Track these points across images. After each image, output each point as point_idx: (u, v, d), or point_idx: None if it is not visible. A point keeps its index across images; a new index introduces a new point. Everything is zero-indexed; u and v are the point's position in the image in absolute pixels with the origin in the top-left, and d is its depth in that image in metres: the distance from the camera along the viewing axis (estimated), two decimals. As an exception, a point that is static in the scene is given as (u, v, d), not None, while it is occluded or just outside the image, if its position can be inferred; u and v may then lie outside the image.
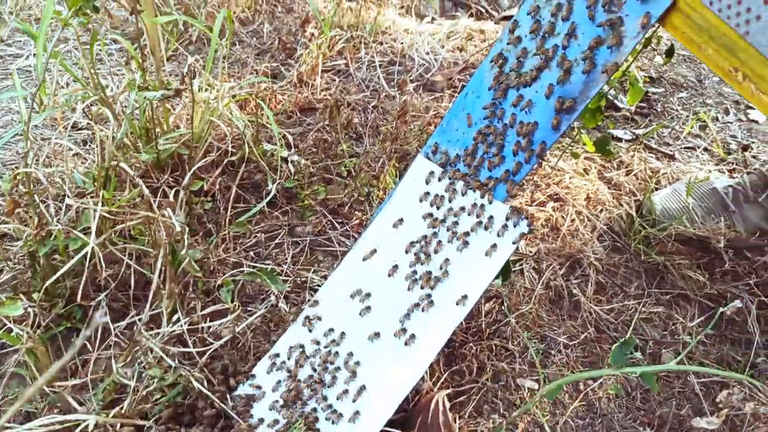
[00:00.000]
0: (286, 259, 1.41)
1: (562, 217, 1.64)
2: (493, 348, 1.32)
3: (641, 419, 1.25)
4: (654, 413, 1.26)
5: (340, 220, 1.54)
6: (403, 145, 1.69)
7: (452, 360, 1.28)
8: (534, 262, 1.52)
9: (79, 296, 1.04)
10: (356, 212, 1.55)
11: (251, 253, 1.39)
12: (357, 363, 1.04)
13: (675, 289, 1.51)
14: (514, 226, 0.99)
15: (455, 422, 1.14)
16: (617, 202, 1.71)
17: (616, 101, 2.11)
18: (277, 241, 1.45)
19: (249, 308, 1.28)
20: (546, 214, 1.64)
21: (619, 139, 1.97)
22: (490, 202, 1.02)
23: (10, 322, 1.05)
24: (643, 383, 1.31)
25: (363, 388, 1.01)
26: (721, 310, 0.81)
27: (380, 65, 2.07)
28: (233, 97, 1.57)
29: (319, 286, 1.34)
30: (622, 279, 1.52)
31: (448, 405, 1.12)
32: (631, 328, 1.42)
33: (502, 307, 1.36)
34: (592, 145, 1.66)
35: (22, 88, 1.61)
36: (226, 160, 1.49)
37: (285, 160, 1.58)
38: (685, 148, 1.99)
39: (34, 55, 2.03)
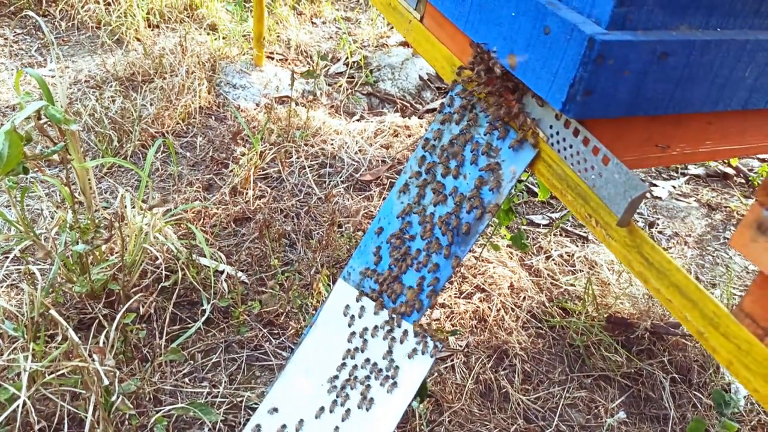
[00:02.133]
0: (222, 380, 1.44)
1: (489, 307, 1.74)
2: (428, 451, 1.38)
3: None
4: (582, 501, 1.33)
5: (276, 332, 1.59)
6: (335, 251, 1.78)
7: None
8: (464, 357, 1.60)
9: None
10: (291, 322, 1.61)
11: (187, 378, 1.43)
12: None
13: (595, 370, 1.61)
14: (426, 348, 1.07)
15: None
16: (538, 288, 1.83)
17: (533, 187, 2.28)
18: (213, 360, 1.49)
19: (186, 436, 1.31)
20: (473, 305, 1.74)
21: (537, 225, 2.12)
22: (401, 330, 1.11)
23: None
24: (570, 471, 1.39)
25: None
26: (609, 421, 0.90)
27: (311, 168, 2.18)
28: (167, 218, 1.63)
29: (256, 404, 1.38)
30: (546, 365, 1.62)
31: None
32: (557, 414, 1.50)
33: (439, 400, 1.42)
34: (509, 237, 1.79)
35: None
36: (160, 286, 1.54)
37: (220, 274, 1.64)
38: (598, 228, 2.15)
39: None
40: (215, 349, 1.53)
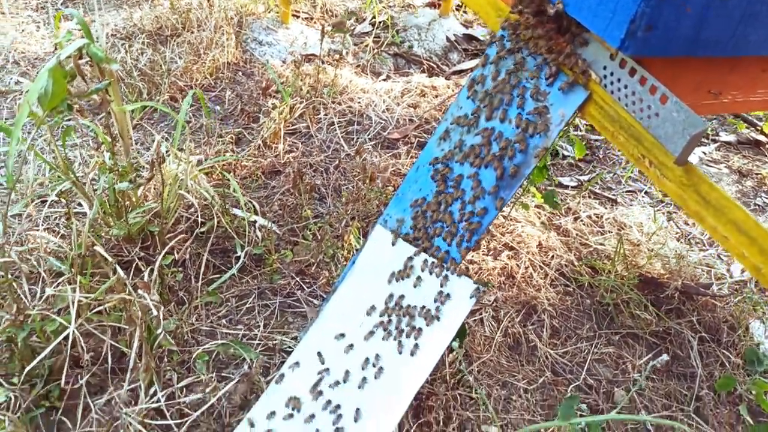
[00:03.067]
0: (258, 323, 1.47)
1: (517, 265, 1.75)
2: (458, 398, 1.40)
3: (598, 457, 1.34)
4: (609, 451, 1.35)
5: (307, 281, 1.61)
6: (365, 204, 1.79)
7: (420, 412, 1.35)
8: (492, 311, 1.61)
9: (63, 380, 1.08)
10: (323, 272, 1.63)
11: (223, 320, 1.45)
12: (339, 411, 1.10)
13: (624, 328, 1.62)
14: (465, 291, 1.08)
15: (424, 474, 1.20)
16: (567, 247, 1.83)
17: (562, 150, 2.26)
18: (248, 305, 1.52)
19: (223, 374, 1.34)
20: (501, 263, 1.74)
21: (566, 187, 2.11)
22: (443, 272, 1.12)
23: (-10, 407, 1.08)
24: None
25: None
26: (651, 363, 0.91)
27: (339, 125, 2.18)
28: (200, 168, 1.64)
29: (290, 348, 1.40)
30: (574, 322, 1.63)
31: (417, 458, 1.19)
32: (584, 369, 1.52)
33: (468, 351, 1.44)
34: (541, 197, 1.79)
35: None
36: (195, 231, 1.56)
37: (253, 224, 1.65)
38: (626, 191, 2.14)
39: None
40: (249, 295, 1.55)
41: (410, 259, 1.16)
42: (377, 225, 1.26)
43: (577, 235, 1.87)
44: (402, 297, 1.14)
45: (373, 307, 1.17)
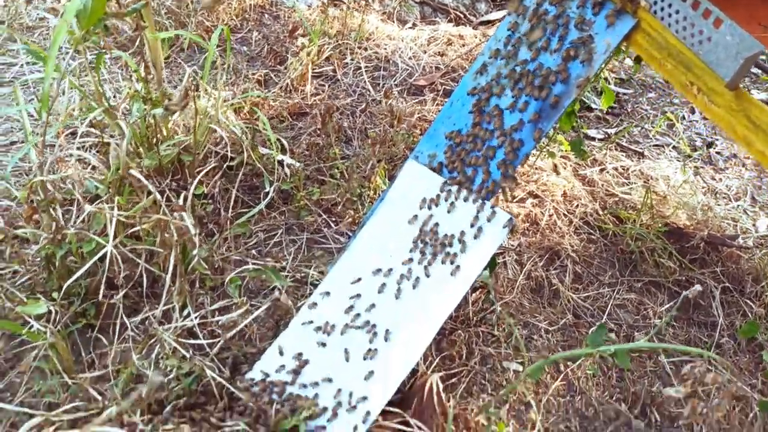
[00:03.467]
0: (286, 256, 1.49)
1: (541, 212, 1.75)
2: (480, 334, 1.42)
3: (617, 396, 1.37)
4: (628, 390, 1.37)
5: (334, 219, 1.63)
6: (391, 147, 1.79)
7: (443, 346, 1.38)
8: (516, 255, 1.62)
9: (100, 294, 1.12)
10: (349, 211, 1.64)
11: (252, 251, 1.48)
12: (371, 332, 1.13)
13: (646, 276, 1.63)
14: (498, 221, 1.09)
15: (448, 402, 1.24)
16: (592, 197, 1.83)
17: (589, 102, 2.23)
18: (275, 239, 1.54)
19: (253, 302, 1.37)
20: (526, 209, 1.75)
21: (592, 138, 2.09)
22: (477, 201, 1.13)
23: (31, 319, 1.12)
24: (618, 364, 1.43)
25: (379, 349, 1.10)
26: (684, 293, 0.92)
27: (366, 70, 2.16)
28: (230, 104, 1.65)
29: (317, 281, 1.43)
30: (597, 269, 1.64)
31: (441, 386, 1.22)
32: (606, 313, 1.54)
33: (489, 296, 1.46)
34: (567, 145, 1.78)
35: (24, 102, 1.67)
36: (225, 164, 1.57)
37: (280, 163, 1.66)
38: (654, 145, 2.12)
39: (28, 63, 2.08)
40: (276, 230, 1.57)
41: (443, 190, 1.17)
42: (409, 160, 1.27)
43: (602, 185, 1.86)
44: (435, 225, 1.15)
45: (404, 237, 1.18)
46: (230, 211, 1.51)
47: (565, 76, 1.00)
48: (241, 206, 1.60)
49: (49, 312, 1.14)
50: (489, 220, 1.09)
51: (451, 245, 1.12)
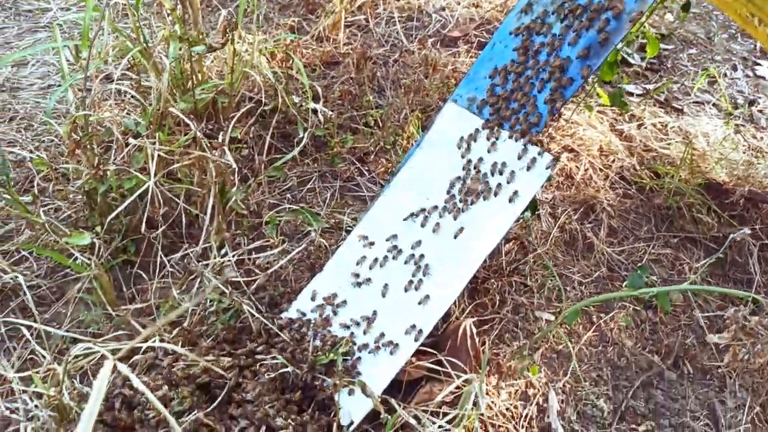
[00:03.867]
0: (319, 202, 1.50)
1: (576, 166, 1.72)
2: (513, 284, 1.42)
3: (650, 347, 1.36)
4: (661, 343, 1.37)
5: (366, 167, 1.62)
6: (425, 97, 1.77)
7: (475, 294, 1.38)
8: (550, 208, 1.61)
9: (142, 228, 1.13)
10: (382, 160, 1.63)
11: (287, 195, 1.48)
12: (423, 259, 1.13)
13: (683, 232, 1.60)
14: (541, 162, 1.07)
15: (481, 346, 1.24)
16: (629, 152, 1.79)
17: (628, 57, 2.17)
18: (309, 186, 1.54)
19: (287, 245, 1.38)
20: (561, 163, 1.72)
21: (631, 94, 2.04)
22: (518, 141, 1.11)
23: (76, 251, 1.14)
24: (651, 316, 1.42)
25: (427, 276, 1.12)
26: (732, 235, 0.90)
27: (399, 21, 2.12)
28: (265, 49, 1.63)
29: (351, 227, 1.43)
30: (632, 223, 1.62)
31: (474, 330, 1.23)
32: (635, 271, 1.52)
33: (525, 243, 1.46)
34: (606, 98, 1.74)
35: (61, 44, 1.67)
36: (259, 109, 1.56)
37: (314, 111, 1.65)
38: (693, 103, 2.06)
39: (61, 9, 2.08)
40: (310, 177, 1.57)
41: (483, 130, 1.15)
42: (448, 102, 1.25)
43: (640, 140, 1.82)
44: (475, 166, 1.14)
45: (443, 177, 1.17)
46: (264, 156, 1.51)
47: (618, 11, 0.97)
48: (275, 153, 1.60)
49: (93, 245, 1.16)
50: (532, 161, 1.08)
51: (491, 185, 1.11)
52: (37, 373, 0.99)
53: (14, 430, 1.00)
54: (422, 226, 1.16)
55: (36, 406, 0.99)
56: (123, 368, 0.48)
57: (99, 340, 1.03)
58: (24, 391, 1.03)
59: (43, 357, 1.09)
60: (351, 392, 1.05)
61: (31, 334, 1.07)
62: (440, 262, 1.13)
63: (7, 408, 1.00)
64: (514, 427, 1.15)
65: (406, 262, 1.15)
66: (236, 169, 1.17)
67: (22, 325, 1.06)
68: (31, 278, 1.20)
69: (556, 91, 1.05)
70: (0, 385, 1.05)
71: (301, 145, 1.54)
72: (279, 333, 1.13)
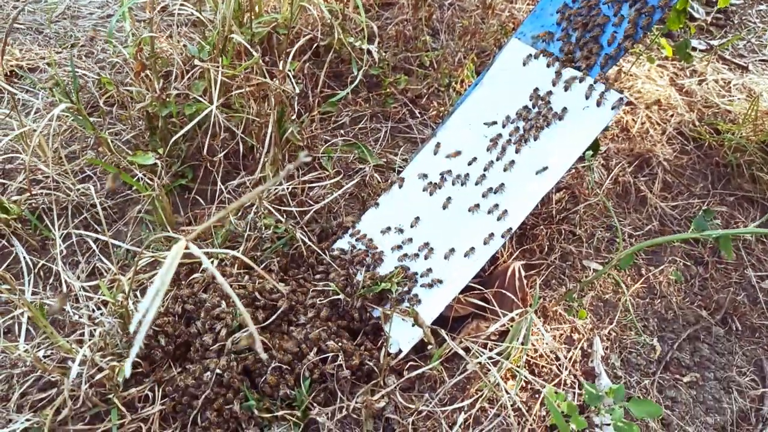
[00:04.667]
0: (371, 141, 1.50)
1: (633, 119, 1.68)
2: (562, 232, 1.41)
3: (698, 303, 1.35)
4: (711, 298, 1.35)
5: (418, 110, 1.61)
6: (481, 41, 1.73)
7: (524, 240, 1.38)
8: (603, 160, 1.58)
9: (204, 150, 1.15)
10: (434, 103, 1.62)
11: (340, 131, 1.49)
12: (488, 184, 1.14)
13: (740, 191, 1.56)
14: (608, 101, 1.05)
15: (529, 288, 1.25)
16: (689, 108, 1.73)
17: (692, 12, 2.08)
18: (360, 125, 1.54)
19: (340, 179, 1.39)
20: (617, 116, 1.68)
21: (694, 49, 1.96)
22: (583, 80, 1.08)
23: (138, 172, 1.17)
24: (701, 272, 1.40)
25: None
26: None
27: (456, -36, 2.06)
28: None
29: (401, 167, 1.43)
30: (688, 179, 1.58)
31: (523, 273, 1.23)
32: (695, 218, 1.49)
33: (576, 192, 1.44)
34: (670, 49, 1.67)
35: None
36: (315, 46, 1.56)
37: (368, 52, 1.64)
38: (760, 60, 1.97)
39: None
40: (362, 116, 1.57)
41: (549, 68, 1.13)
42: (511, 39, 1.22)
43: (701, 96, 1.76)
44: (540, 101, 1.12)
45: (506, 113, 1.16)
46: (318, 92, 1.51)
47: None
48: (328, 92, 1.60)
49: (154, 167, 1.19)
50: (599, 98, 1.05)
51: (556, 120, 1.09)
52: (102, 281, 1.04)
53: (80, 335, 1.05)
54: (484, 154, 1.15)
55: (102, 314, 1.04)
56: (195, 249, 0.50)
57: (160, 254, 1.07)
58: (89, 299, 1.08)
59: (107, 270, 1.14)
60: (402, 321, 1.07)
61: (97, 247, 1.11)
62: (499, 193, 1.13)
63: (75, 314, 1.05)
64: (558, 369, 1.16)
65: (469, 183, 1.15)
66: (296, 95, 1.17)
67: (90, 237, 1.10)
68: (96, 196, 1.24)
69: (629, 29, 1.02)
70: (68, 293, 1.10)
71: (355, 83, 1.54)
72: (331, 262, 1.15)
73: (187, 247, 0.54)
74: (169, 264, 0.51)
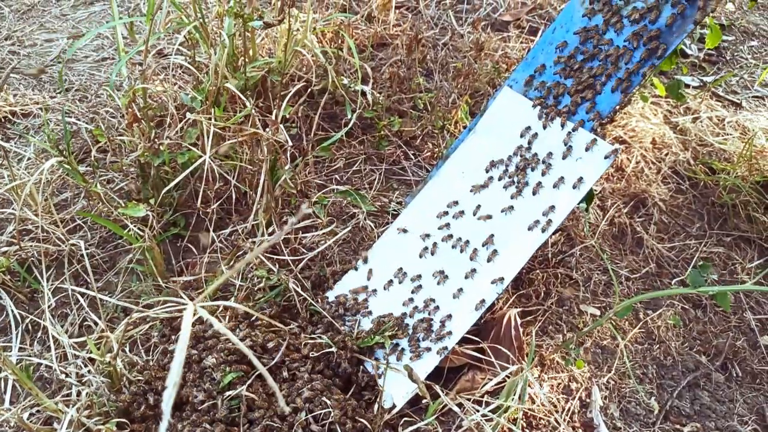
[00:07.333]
0: (365, 184, 1.49)
1: (628, 158, 1.68)
2: (559, 276, 1.40)
3: (697, 348, 1.33)
4: (710, 343, 1.33)
5: (413, 152, 1.61)
6: (474, 81, 1.74)
7: (520, 285, 1.37)
8: (599, 200, 1.57)
9: (198, 201, 1.15)
10: (428, 144, 1.62)
11: (334, 177, 1.48)
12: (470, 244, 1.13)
13: (737, 231, 1.55)
14: (599, 152, 1.05)
15: (525, 337, 1.23)
16: (683, 146, 1.73)
17: (685, 48, 2.09)
18: (355, 168, 1.54)
19: (334, 226, 1.38)
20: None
21: (687, 86, 1.97)
22: (576, 131, 1.08)
23: (129, 223, 1.16)
24: (700, 316, 1.38)
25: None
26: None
27: (449, 4, 2.08)
28: (315, 29, 1.62)
29: (396, 210, 1.42)
30: (684, 220, 1.57)
31: (519, 321, 1.21)
32: (691, 265, 1.48)
33: (572, 235, 1.43)
34: (662, 88, 1.68)
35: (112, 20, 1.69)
36: (309, 89, 1.56)
37: (362, 93, 1.64)
38: (753, 97, 1.98)
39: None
40: (356, 159, 1.56)
41: (540, 119, 1.13)
42: (503, 87, 1.22)
43: (695, 134, 1.77)
44: (531, 153, 1.12)
45: (496, 164, 1.15)
46: (313, 136, 1.51)
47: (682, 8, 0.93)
48: (323, 134, 1.60)
49: (145, 217, 1.18)
50: (589, 150, 1.05)
51: (548, 174, 1.08)
52: (90, 339, 1.02)
53: (67, 394, 1.03)
54: (474, 210, 1.15)
55: (89, 371, 1.01)
56: (203, 312, 0.49)
57: (150, 311, 1.05)
58: (76, 356, 1.06)
59: (96, 324, 1.12)
60: (395, 376, 1.05)
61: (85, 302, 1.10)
62: (489, 249, 1.12)
63: (62, 371, 1.03)
64: (556, 421, 1.14)
65: (453, 246, 1.14)
66: (289, 146, 1.17)
67: (77, 292, 1.09)
68: (85, 247, 1.23)
69: (623, 80, 1.02)
70: (54, 349, 1.08)
71: (349, 126, 1.54)
72: (324, 313, 1.13)
73: (195, 311, 0.53)
74: (185, 332, 0.50)
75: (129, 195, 1.28)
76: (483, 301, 1.08)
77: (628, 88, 1.03)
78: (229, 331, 1.04)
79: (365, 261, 1.21)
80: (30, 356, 1.06)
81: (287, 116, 1.55)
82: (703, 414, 1.22)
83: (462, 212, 1.16)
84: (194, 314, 0.49)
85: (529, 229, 1.08)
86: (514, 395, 1.03)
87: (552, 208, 1.06)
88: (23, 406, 0.99)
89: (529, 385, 1.13)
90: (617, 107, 1.05)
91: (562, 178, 1.06)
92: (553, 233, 1.47)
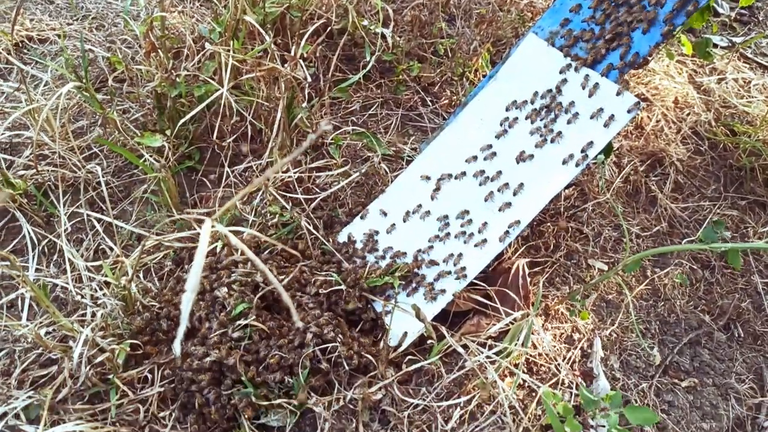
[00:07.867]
0: (380, 129, 1.48)
1: (648, 116, 1.65)
2: (569, 230, 1.40)
3: (702, 307, 1.34)
4: (715, 303, 1.34)
5: (430, 98, 1.59)
6: (498, 29, 1.70)
7: (529, 236, 1.37)
8: (615, 157, 1.56)
9: (214, 135, 1.14)
10: (446, 91, 1.59)
11: (350, 119, 1.47)
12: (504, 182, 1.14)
13: (752, 195, 1.54)
14: (623, 104, 1.03)
15: (532, 286, 1.24)
16: (706, 107, 1.70)
17: (716, 6, 2.03)
18: (371, 111, 1.52)
19: (347, 168, 1.38)
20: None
21: (715, 46, 1.91)
22: (603, 78, 1.06)
23: (145, 153, 1.17)
24: (707, 276, 1.39)
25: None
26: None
27: (475, -53, 2.01)
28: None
29: (411, 156, 1.42)
30: (700, 181, 1.56)
31: (527, 270, 1.22)
32: (702, 227, 1.47)
33: (586, 190, 1.42)
34: (690, 46, 1.63)
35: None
36: (329, 28, 1.53)
37: (382, 36, 1.61)
38: (782, 60, 1.93)
39: None
40: (373, 103, 1.55)
41: (565, 68, 1.11)
42: (528, 34, 1.20)
43: (719, 95, 1.73)
44: (554, 102, 1.10)
45: (519, 105, 1.14)
46: (329, 77, 1.49)
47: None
48: (340, 76, 1.58)
49: (161, 148, 1.18)
50: (614, 102, 1.03)
51: (570, 123, 1.07)
52: (105, 263, 1.04)
53: (82, 314, 1.05)
54: (491, 156, 1.14)
55: (104, 294, 1.04)
56: (221, 228, 0.49)
57: (164, 237, 1.07)
58: (91, 279, 1.08)
59: (111, 250, 1.14)
60: (402, 314, 1.07)
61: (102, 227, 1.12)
62: (516, 184, 1.12)
63: (78, 293, 1.05)
64: (557, 368, 1.16)
65: (481, 184, 1.14)
66: (308, 82, 1.16)
67: (93, 217, 1.10)
68: (102, 175, 1.24)
69: (654, 23, 1.00)
70: (70, 272, 1.11)
71: (367, 69, 1.51)
72: (335, 251, 1.14)
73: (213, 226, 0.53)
74: (203, 245, 0.50)
75: (145, 125, 1.28)
76: (513, 227, 1.08)
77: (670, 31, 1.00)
78: (240, 263, 1.06)
79: (377, 205, 1.21)
80: (46, 277, 1.08)
81: (305, 55, 1.53)
82: (702, 371, 1.24)
83: (494, 153, 1.15)
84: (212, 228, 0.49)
85: (564, 162, 1.06)
86: (518, 340, 1.05)
87: (590, 143, 1.04)
88: (40, 323, 1.02)
89: (533, 332, 1.14)
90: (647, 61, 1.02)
91: (584, 128, 1.05)
92: (567, 186, 1.47)
